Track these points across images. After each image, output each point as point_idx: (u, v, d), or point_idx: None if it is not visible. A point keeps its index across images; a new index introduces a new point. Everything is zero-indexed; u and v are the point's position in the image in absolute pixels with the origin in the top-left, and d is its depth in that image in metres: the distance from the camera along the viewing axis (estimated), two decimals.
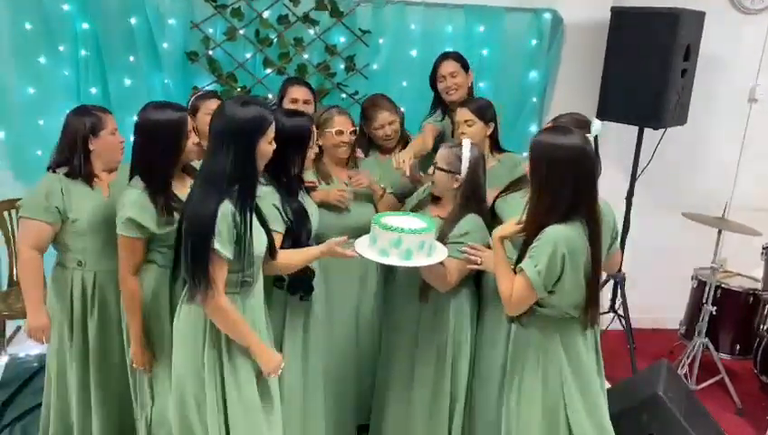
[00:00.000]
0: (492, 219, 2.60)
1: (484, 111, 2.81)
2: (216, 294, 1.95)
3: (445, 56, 3.18)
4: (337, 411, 2.82)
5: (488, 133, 2.83)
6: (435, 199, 2.63)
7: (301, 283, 2.42)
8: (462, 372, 2.62)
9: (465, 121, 2.80)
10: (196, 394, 2.08)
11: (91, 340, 2.51)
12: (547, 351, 2.14)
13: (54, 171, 2.43)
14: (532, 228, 2.05)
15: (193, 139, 2.32)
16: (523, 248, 2.08)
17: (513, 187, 2.58)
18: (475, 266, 2.40)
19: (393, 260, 2.26)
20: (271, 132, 2.04)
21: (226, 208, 1.94)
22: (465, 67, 3.16)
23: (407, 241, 2.24)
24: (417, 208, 2.64)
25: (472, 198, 2.50)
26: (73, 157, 2.41)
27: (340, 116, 2.77)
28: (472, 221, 2.50)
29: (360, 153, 2.99)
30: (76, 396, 2.56)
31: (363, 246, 2.34)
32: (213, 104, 2.90)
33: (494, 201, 2.60)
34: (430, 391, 2.61)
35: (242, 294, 2.08)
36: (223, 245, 1.93)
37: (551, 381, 2.15)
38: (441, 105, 3.22)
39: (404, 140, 3.09)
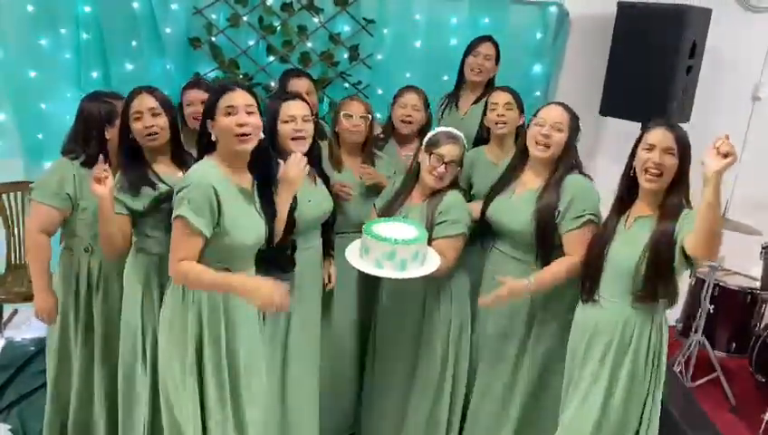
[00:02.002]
0: (482, 224, 2.58)
1: (521, 101, 2.82)
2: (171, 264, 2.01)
3: (488, 38, 3.22)
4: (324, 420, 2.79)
5: (519, 124, 2.81)
6: (411, 187, 2.61)
7: (282, 256, 2.37)
8: (464, 358, 2.64)
9: (506, 104, 2.78)
10: (180, 381, 2.09)
11: (96, 326, 2.51)
12: (661, 335, 2.22)
13: (69, 157, 2.42)
14: (672, 207, 2.12)
15: (145, 121, 2.26)
16: (663, 229, 2.09)
17: (498, 190, 2.56)
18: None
19: (388, 272, 2.27)
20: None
21: None
22: (498, 58, 3.23)
23: (401, 253, 2.25)
24: (397, 202, 2.60)
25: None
26: (89, 145, 2.39)
27: (353, 101, 2.79)
28: (454, 196, 2.54)
29: (378, 154, 2.93)
30: (77, 380, 2.57)
31: (355, 256, 2.34)
32: (190, 94, 2.88)
33: (485, 206, 2.57)
34: (435, 381, 2.62)
35: None
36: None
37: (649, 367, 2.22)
38: (458, 86, 3.30)
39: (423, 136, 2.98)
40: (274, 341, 2.50)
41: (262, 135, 2.07)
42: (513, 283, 2.33)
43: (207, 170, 2.02)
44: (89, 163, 2.37)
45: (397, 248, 2.24)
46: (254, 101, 2.06)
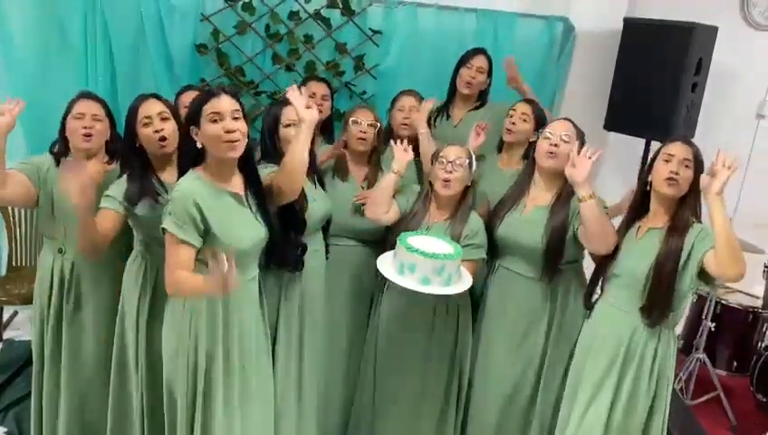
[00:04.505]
0: (492, 242, 2.59)
1: (540, 118, 2.83)
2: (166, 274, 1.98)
3: (481, 51, 3.23)
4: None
5: (531, 139, 2.81)
6: (427, 206, 2.59)
7: (293, 255, 2.39)
8: (465, 369, 2.67)
9: (522, 114, 2.81)
10: (179, 385, 2.08)
11: (65, 334, 2.47)
12: (668, 351, 2.25)
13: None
14: (681, 222, 2.18)
15: (155, 126, 2.27)
16: (670, 246, 2.15)
17: (506, 206, 2.58)
18: None
19: (434, 289, 2.24)
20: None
21: None
22: (490, 72, 3.24)
23: (449, 267, 2.23)
24: (415, 220, 2.58)
25: (470, 195, 2.57)
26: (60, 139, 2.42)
27: (361, 108, 2.81)
28: (477, 219, 2.56)
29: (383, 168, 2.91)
30: (46, 392, 2.52)
31: (392, 271, 2.30)
32: (188, 97, 2.89)
33: (493, 223, 2.58)
34: (442, 393, 2.64)
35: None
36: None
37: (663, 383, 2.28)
38: (449, 97, 3.29)
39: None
40: (289, 344, 2.51)
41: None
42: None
43: (191, 183, 1.99)
44: (55, 156, 2.41)
45: (446, 263, 2.23)
46: (239, 106, 2.03)
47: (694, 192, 2.20)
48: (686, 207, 2.21)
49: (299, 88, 2.24)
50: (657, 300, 2.18)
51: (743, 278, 2.08)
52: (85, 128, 2.35)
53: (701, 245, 2.12)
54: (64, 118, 2.39)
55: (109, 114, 2.44)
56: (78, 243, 2.22)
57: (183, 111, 2.87)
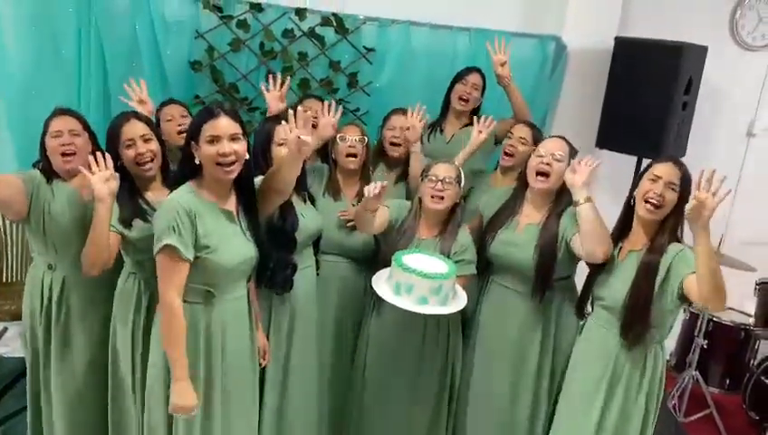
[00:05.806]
0: (484, 258, 2.60)
1: (539, 139, 2.82)
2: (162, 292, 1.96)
3: (476, 69, 3.27)
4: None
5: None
6: (417, 222, 2.59)
7: (281, 275, 2.39)
8: (457, 373, 2.67)
9: (520, 138, 2.85)
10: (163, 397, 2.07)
11: (53, 349, 2.45)
12: (656, 370, 2.26)
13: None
14: (660, 243, 2.18)
15: (138, 149, 2.27)
16: (647, 266, 2.16)
17: (497, 225, 2.59)
18: None
19: (432, 308, 2.23)
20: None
21: None
22: (484, 90, 3.29)
23: (445, 287, 2.23)
24: (406, 237, 2.57)
25: (458, 211, 2.58)
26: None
27: (349, 125, 2.83)
28: (467, 235, 2.56)
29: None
30: (30, 404, 2.52)
31: (388, 292, 2.27)
32: (171, 109, 2.95)
33: (485, 241, 2.58)
34: (429, 419, 2.64)
35: (206, 306, 2.05)
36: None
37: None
38: (443, 113, 3.33)
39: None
40: (276, 361, 2.49)
41: (246, 155, 2.04)
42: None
43: (183, 196, 1.99)
44: (44, 174, 2.36)
45: (443, 283, 2.22)
46: (238, 127, 2.01)
47: (675, 214, 2.19)
48: (667, 229, 2.20)
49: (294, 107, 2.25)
50: (633, 320, 2.18)
51: (723, 310, 2.11)
52: (63, 145, 2.29)
53: (680, 267, 2.11)
54: (43, 137, 2.34)
55: (87, 128, 2.38)
56: (86, 260, 2.17)
57: (164, 124, 2.88)
